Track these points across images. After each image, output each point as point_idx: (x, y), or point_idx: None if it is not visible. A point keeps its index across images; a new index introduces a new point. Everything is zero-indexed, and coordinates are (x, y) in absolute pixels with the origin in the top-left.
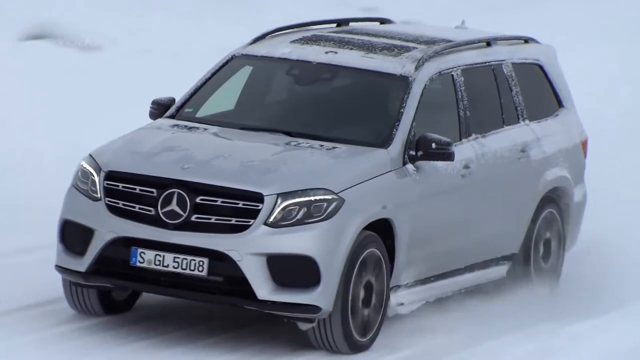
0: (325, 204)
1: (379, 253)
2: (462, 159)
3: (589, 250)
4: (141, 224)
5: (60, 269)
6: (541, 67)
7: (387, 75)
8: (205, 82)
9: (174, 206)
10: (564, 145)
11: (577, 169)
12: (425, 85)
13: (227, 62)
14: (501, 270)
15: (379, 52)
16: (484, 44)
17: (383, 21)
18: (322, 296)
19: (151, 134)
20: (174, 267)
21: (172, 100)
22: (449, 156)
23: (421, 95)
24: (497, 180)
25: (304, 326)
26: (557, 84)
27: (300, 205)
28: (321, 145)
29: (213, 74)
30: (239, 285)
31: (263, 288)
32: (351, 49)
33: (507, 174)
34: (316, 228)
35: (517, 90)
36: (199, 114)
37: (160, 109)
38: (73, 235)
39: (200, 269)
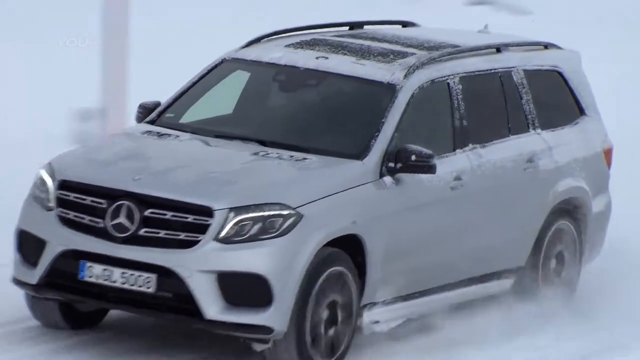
0: (280, 219)
1: (344, 270)
2: (453, 171)
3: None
4: (90, 236)
5: (16, 280)
6: (561, 74)
7: (374, 83)
8: (191, 86)
9: (122, 219)
10: (581, 154)
11: (597, 178)
12: (414, 93)
13: (216, 66)
14: (504, 284)
15: (373, 58)
16: (494, 50)
17: (405, 24)
18: (275, 317)
19: (118, 141)
20: (121, 282)
21: (157, 104)
22: (429, 169)
23: (408, 105)
24: (497, 192)
25: (258, 347)
26: (578, 91)
27: (255, 220)
28: (291, 156)
29: (200, 78)
30: (188, 303)
31: (212, 307)
32: (345, 54)
33: (510, 185)
34: (269, 245)
35: (528, 98)
36: (184, 120)
37: (145, 113)
38: (28, 246)
39: (148, 285)
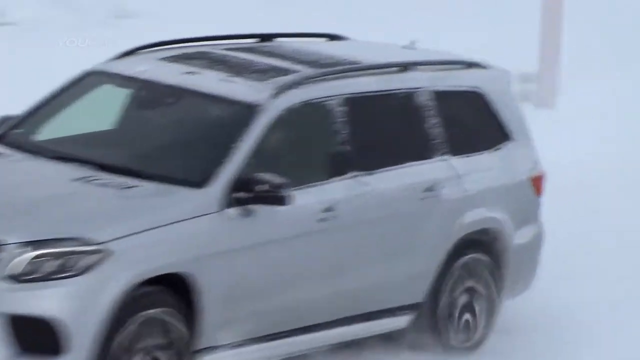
0: (81, 256)
1: (166, 312)
2: (323, 201)
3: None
4: None
5: None
6: (482, 96)
7: (235, 102)
8: (49, 101)
9: None
10: (500, 182)
11: (521, 208)
12: (280, 115)
13: (80, 79)
14: (399, 321)
15: (248, 75)
16: (399, 68)
17: (333, 37)
18: None
19: None
20: None
21: (14, 118)
22: (279, 200)
23: (271, 127)
24: (382, 223)
25: None
26: (504, 114)
27: (52, 256)
28: (122, 183)
29: (60, 92)
30: None
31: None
32: (219, 70)
33: (400, 215)
34: (65, 285)
35: (436, 121)
36: (40, 137)
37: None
38: None
39: None
